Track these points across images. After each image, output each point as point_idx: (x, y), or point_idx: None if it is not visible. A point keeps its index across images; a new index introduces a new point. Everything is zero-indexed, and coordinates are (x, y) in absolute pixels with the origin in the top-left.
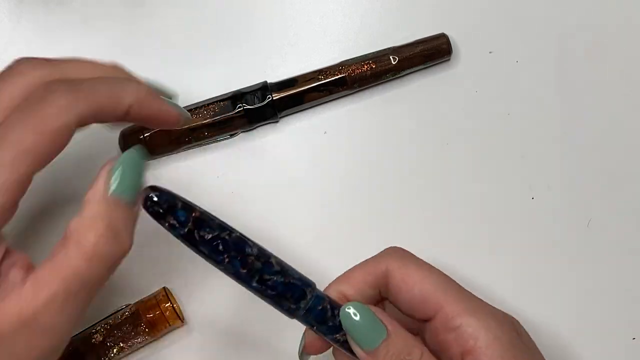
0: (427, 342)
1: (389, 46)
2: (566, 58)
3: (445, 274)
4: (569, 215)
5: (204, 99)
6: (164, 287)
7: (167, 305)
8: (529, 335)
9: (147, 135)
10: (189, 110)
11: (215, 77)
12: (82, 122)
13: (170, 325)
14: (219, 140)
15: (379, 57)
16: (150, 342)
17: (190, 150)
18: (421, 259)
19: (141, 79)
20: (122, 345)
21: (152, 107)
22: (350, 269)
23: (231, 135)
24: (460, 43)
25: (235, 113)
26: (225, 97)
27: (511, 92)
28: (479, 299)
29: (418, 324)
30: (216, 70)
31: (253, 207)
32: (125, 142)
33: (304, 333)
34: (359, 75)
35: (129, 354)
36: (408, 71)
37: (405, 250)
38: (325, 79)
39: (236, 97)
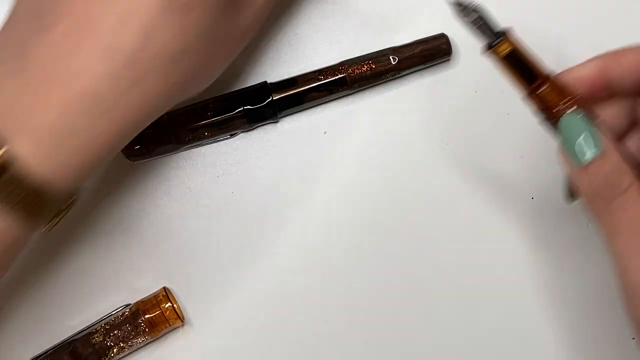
0: None
1: (388, 46)
2: (566, 58)
3: None
4: (569, 215)
5: (204, 99)
6: (164, 287)
7: (167, 305)
8: None
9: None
10: (189, 110)
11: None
12: None
13: (170, 325)
14: (219, 140)
15: (378, 57)
16: (150, 342)
17: (190, 150)
18: None
19: None
20: (122, 345)
21: None
22: (622, 49)
23: (231, 135)
24: (460, 43)
25: (235, 113)
26: (225, 97)
27: (511, 92)
28: None
29: None
30: None
31: (253, 207)
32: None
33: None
34: (359, 75)
35: (129, 354)
36: (408, 71)
37: None
38: (325, 79)
39: (236, 97)
